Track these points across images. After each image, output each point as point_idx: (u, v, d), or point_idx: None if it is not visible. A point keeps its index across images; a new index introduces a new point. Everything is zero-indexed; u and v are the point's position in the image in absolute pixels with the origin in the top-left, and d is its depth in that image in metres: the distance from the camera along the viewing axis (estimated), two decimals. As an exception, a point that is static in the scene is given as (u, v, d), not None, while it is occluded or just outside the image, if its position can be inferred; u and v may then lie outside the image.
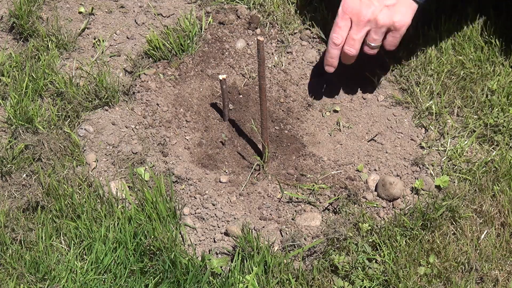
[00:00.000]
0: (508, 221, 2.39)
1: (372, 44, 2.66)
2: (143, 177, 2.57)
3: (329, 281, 2.26)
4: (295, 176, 2.61)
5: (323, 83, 2.91)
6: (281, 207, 2.51)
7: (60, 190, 2.48)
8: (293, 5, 3.21)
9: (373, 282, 2.24)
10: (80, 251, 2.33)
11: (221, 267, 2.30)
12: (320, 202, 2.51)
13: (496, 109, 2.73)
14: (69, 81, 2.87)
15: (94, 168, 2.63)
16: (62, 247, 2.35)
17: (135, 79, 2.94)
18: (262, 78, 2.33)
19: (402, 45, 2.98)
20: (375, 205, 2.49)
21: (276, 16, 3.16)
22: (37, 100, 2.84)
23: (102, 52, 3.10)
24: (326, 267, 2.29)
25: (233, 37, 3.13)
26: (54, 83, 2.89)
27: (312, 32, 3.11)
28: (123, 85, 2.91)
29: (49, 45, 3.06)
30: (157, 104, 2.84)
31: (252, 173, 2.62)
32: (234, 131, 2.80)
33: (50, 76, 2.91)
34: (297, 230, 2.41)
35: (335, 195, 2.51)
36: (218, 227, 2.45)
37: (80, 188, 2.52)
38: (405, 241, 2.33)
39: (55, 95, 2.87)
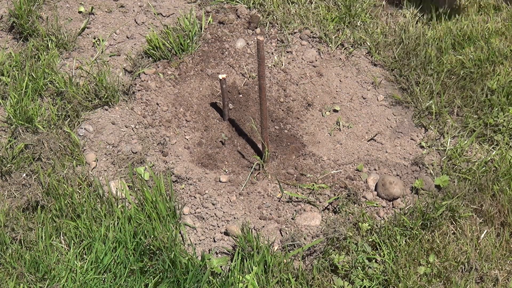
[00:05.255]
0: (508, 220, 2.39)
1: None
2: (143, 176, 2.57)
3: (329, 281, 2.26)
4: (295, 175, 2.61)
5: None
6: (281, 206, 2.51)
7: (60, 190, 2.48)
8: (293, 4, 3.21)
9: (373, 281, 2.24)
10: (80, 251, 2.33)
11: (221, 266, 2.30)
12: (320, 202, 2.51)
13: (496, 109, 2.73)
14: (69, 81, 2.87)
15: (94, 167, 2.63)
16: (62, 247, 2.35)
17: (135, 78, 2.94)
18: (262, 77, 2.33)
19: (402, 44, 2.98)
20: (375, 205, 2.49)
21: (276, 16, 3.16)
22: (37, 100, 2.84)
23: (102, 52, 3.09)
24: (326, 267, 2.29)
25: (233, 36, 3.13)
26: (54, 82, 2.89)
27: (312, 32, 3.11)
28: (123, 85, 2.91)
29: (49, 45, 3.06)
30: (157, 104, 2.84)
31: (252, 172, 2.62)
32: (234, 130, 2.79)
33: (50, 76, 2.91)
34: (297, 229, 2.41)
35: (335, 194, 2.51)
36: (218, 226, 2.45)
37: (80, 187, 2.52)
38: (405, 241, 2.33)
39: (55, 94, 2.87)
